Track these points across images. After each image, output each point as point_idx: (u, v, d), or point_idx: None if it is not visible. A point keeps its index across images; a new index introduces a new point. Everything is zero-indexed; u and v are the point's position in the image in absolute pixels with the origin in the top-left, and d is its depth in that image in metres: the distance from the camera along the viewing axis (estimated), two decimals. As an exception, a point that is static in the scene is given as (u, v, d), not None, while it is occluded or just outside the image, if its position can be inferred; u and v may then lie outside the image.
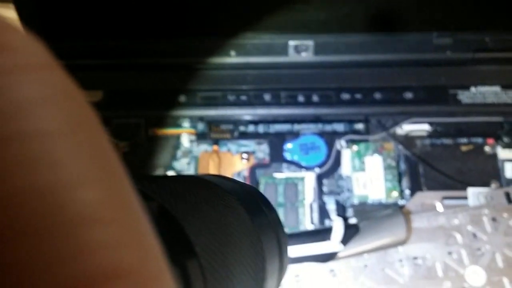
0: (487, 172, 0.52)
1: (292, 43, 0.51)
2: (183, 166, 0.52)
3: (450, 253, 0.48)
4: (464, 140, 0.53)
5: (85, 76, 0.52)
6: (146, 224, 0.10)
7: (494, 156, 0.53)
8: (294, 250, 0.47)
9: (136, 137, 0.52)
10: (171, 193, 0.19)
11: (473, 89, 0.53)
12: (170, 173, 0.51)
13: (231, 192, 0.22)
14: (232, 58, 0.52)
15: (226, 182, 0.24)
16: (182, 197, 0.19)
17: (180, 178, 0.23)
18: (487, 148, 0.53)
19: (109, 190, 0.09)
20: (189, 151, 0.52)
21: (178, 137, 0.53)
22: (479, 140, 0.53)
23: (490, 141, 0.53)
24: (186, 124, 0.53)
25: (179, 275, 0.15)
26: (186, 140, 0.52)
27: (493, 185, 0.52)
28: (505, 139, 0.53)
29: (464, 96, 0.53)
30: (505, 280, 0.47)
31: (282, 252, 0.24)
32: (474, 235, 0.49)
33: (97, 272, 0.08)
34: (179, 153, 0.52)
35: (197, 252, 0.17)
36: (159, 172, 0.51)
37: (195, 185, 0.21)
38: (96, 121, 0.10)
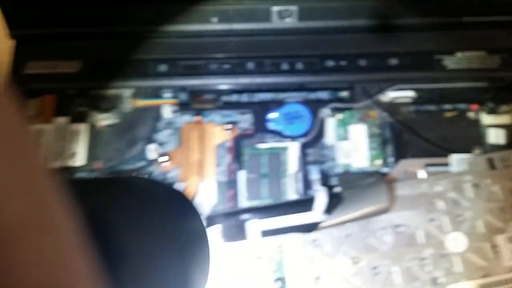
0: (470, 138, 0.52)
1: (275, 8, 0.49)
2: (165, 138, 0.50)
3: (432, 220, 0.48)
4: (448, 106, 0.53)
5: (62, 45, 0.50)
6: (73, 237, 0.10)
7: (477, 122, 0.52)
8: (277, 221, 0.47)
9: (116, 108, 0.50)
10: (103, 198, 0.19)
11: (458, 54, 0.52)
12: (152, 146, 0.49)
13: (161, 197, 0.22)
14: (214, 25, 0.49)
15: (156, 186, 0.24)
16: (113, 203, 0.19)
17: (111, 181, 0.22)
18: (471, 114, 0.52)
19: (34, 201, 0.09)
20: (171, 123, 0.51)
21: (159, 108, 0.51)
22: (463, 106, 0.53)
23: (474, 106, 0.52)
24: (167, 94, 0.51)
25: (110, 283, 0.15)
26: (168, 111, 0.50)
27: (476, 151, 0.51)
28: (490, 105, 0.52)
29: (450, 62, 0.51)
30: (487, 246, 0.47)
31: (205, 259, 0.24)
32: (456, 202, 0.48)
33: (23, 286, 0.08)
34: (161, 124, 0.51)
35: (128, 259, 0.17)
36: (140, 144, 0.49)
37: (126, 190, 0.21)
38: (20, 128, 0.10)
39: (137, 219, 0.20)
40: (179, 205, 0.24)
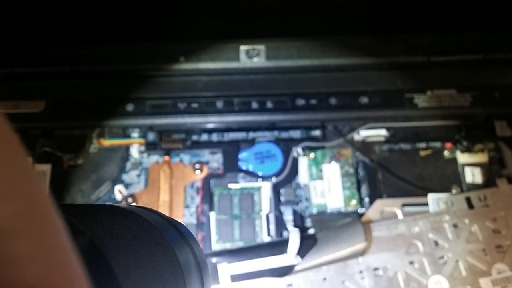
0: (447, 177, 0.47)
1: (243, 48, 0.46)
2: (133, 178, 0.45)
3: (411, 262, 0.42)
4: (422, 144, 0.48)
5: (26, 85, 0.46)
6: (67, 241, 0.10)
7: (453, 160, 0.48)
8: (248, 265, 0.41)
9: (81, 149, 0.45)
10: (102, 227, 0.18)
11: (429, 92, 0.48)
12: (119, 186, 0.44)
13: (159, 226, 0.20)
14: (181, 64, 0.46)
15: (154, 215, 0.21)
16: (112, 231, 0.18)
17: (111, 209, 0.19)
18: (446, 153, 0.48)
19: (27, 204, 0.09)
20: (139, 163, 0.46)
21: (127, 148, 0.46)
22: (438, 144, 0.48)
23: (449, 145, 0.48)
24: (135, 134, 0.46)
25: None
26: (135, 151, 0.46)
27: (454, 190, 0.47)
28: (464, 143, 0.48)
29: (420, 100, 0.48)
30: (470, 290, 0.41)
31: None
32: (436, 243, 0.43)
33: (12, 285, 0.08)
34: (128, 165, 0.46)
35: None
36: (106, 186, 0.44)
37: (126, 220, 0.19)
38: (14, 138, 0.10)
39: (140, 252, 0.18)
40: (180, 236, 0.21)
